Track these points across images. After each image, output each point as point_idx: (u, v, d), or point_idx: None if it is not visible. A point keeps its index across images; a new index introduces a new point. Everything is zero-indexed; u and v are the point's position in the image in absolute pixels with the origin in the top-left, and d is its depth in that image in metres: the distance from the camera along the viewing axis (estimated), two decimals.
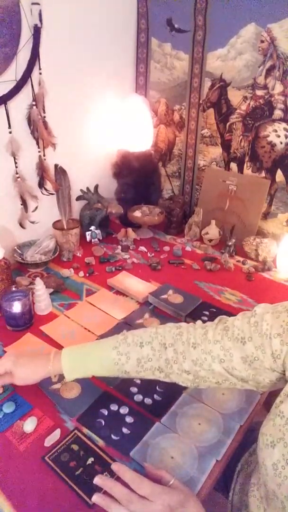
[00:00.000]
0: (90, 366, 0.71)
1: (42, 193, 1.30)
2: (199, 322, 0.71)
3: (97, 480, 0.56)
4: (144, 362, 0.67)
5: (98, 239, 1.41)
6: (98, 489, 0.57)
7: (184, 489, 0.56)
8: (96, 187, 1.40)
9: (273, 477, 0.51)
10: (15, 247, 1.24)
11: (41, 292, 1.01)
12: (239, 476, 0.76)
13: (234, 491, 0.74)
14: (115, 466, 0.57)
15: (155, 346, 0.67)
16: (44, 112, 1.20)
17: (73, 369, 0.71)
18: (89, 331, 0.96)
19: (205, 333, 0.65)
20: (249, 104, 1.27)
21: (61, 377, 0.73)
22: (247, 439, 0.83)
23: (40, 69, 1.14)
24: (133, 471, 0.56)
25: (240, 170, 1.38)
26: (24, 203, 1.24)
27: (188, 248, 1.37)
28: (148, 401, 0.78)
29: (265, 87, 1.21)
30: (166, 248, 1.37)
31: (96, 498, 0.55)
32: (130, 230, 1.42)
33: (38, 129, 1.19)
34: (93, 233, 1.40)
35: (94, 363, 0.70)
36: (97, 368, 0.70)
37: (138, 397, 0.78)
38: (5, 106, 1.10)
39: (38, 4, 1.06)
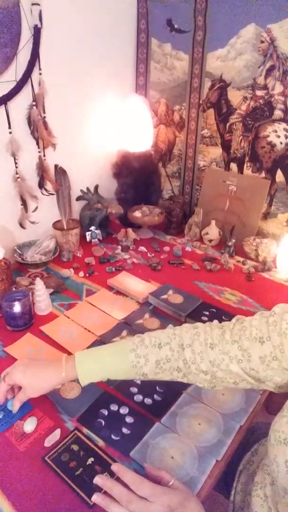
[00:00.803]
0: (107, 370, 0.69)
1: (42, 193, 1.30)
2: (215, 322, 0.70)
3: (97, 480, 0.56)
4: (163, 363, 0.66)
5: (98, 239, 1.41)
6: (98, 489, 0.57)
7: (184, 490, 0.56)
8: (96, 187, 1.40)
9: (285, 474, 0.51)
10: (15, 247, 1.24)
11: (41, 292, 1.01)
12: (241, 475, 0.76)
13: (236, 491, 0.74)
14: (115, 467, 0.57)
15: (174, 347, 0.66)
16: (44, 112, 1.20)
17: (89, 374, 0.69)
18: (89, 331, 0.96)
19: (223, 333, 0.65)
20: (249, 104, 1.27)
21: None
22: (248, 439, 0.83)
23: (40, 69, 1.14)
24: (133, 471, 0.56)
25: (240, 170, 1.38)
26: (24, 203, 1.24)
27: (188, 248, 1.37)
28: (148, 401, 0.78)
29: (265, 87, 1.21)
30: (166, 248, 1.37)
31: (96, 497, 0.55)
32: (130, 230, 1.42)
33: (38, 129, 1.19)
34: (93, 233, 1.40)
35: (111, 367, 0.69)
36: (114, 371, 0.69)
37: (138, 397, 0.78)
38: (5, 106, 1.10)
39: (38, 4, 1.06)
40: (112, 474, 0.62)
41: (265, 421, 0.93)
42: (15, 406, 0.72)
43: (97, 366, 0.69)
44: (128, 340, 0.71)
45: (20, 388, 0.72)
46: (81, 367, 0.69)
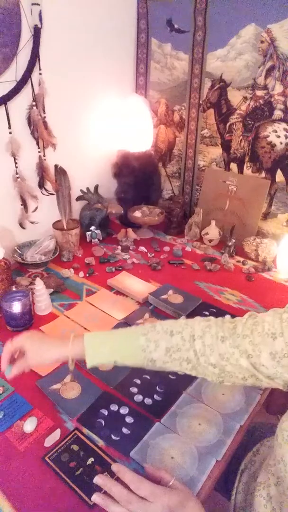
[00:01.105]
0: (116, 351, 0.67)
1: (42, 193, 1.30)
2: (227, 316, 0.68)
3: (97, 479, 0.56)
4: (173, 351, 0.65)
5: (98, 239, 1.41)
6: (98, 489, 0.57)
7: (184, 489, 0.56)
8: (96, 187, 1.40)
9: None
10: (15, 247, 1.24)
11: (41, 292, 1.01)
12: (243, 475, 0.76)
13: (237, 490, 0.74)
14: (115, 467, 0.58)
15: (185, 336, 0.65)
16: (44, 112, 1.20)
17: (97, 353, 0.67)
18: (89, 331, 0.96)
19: (234, 327, 0.64)
20: (249, 104, 1.27)
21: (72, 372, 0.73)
22: (249, 439, 0.83)
23: (40, 69, 1.14)
24: (133, 472, 0.56)
25: (240, 170, 1.38)
26: (24, 203, 1.24)
27: (188, 248, 1.37)
28: (148, 401, 0.78)
29: (265, 87, 1.21)
30: (166, 248, 1.37)
31: (95, 497, 0.55)
32: (130, 230, 1.42)
33: (38, 129, 1.19)
34: (93, 233, 1.40)
35: (120, 348, 0.67)
36: (123, 353, 0.67)
37: (138, 397, 0.78)
38: (5, 107, 1.10)
39: (38, 4, 1.06)
40: (112, 474, 0.62)
41: (265, 421, 0.93)
42: (13, 371, 0.70)
43: (106, 346, 0.68)
44: (141, 326, 0.70)
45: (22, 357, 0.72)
46: (90, 345, 0.67)
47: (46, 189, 1.30)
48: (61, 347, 0.69)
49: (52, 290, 1.09)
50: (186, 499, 0.54)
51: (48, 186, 1.30)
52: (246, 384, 0.64)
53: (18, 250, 1.24)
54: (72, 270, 1.22)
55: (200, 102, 1.39)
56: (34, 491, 0.62)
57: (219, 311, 1.02)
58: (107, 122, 1.46)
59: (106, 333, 0.71)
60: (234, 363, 0.61)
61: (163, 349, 0.65)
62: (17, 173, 1.20)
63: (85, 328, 0.97)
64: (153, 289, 1.11)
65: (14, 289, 1.01)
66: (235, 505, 0.73)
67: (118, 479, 0.56)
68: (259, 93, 1.23)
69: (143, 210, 1.46)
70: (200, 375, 0.66)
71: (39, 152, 1.24)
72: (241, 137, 1.33)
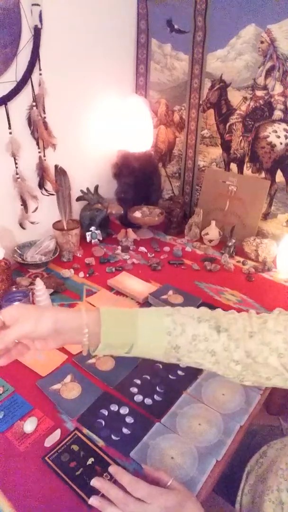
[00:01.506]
0: (137, 331, 0.57)
1: (42, 193, 1.30)
2: (252, 311, 0.62)
3: (95, 482, 0.56)
4: (199, 341, 0.57)
5: (98, 240, 1.41)
6: (97, 490, 0.57)
7: (182, 490, 0.56)
8: (96, 187, 1.40)
9: None
10: (15, 248, 1.24)
11: (41, 292, 1.01)
12: (249, 477, 0.75)
13: (243, 492, 0.73)
14: (112, 469, 0.57)
15: (212, 326, 0.58)
16: (44, 112, 1.20)
17: (113, 332, 0.56)
18: None
19: (264, 322, 0.57)
20: (249, 104, 1.27)
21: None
22: (249, 442, 0.83)
23: (40, 69, 1.15)
24: (130, 473, 0.56)
25: (240, 170, 1.38)
26: (24, 203, 1.24)
27: (188, 249, 1.37)
28: (148, 401, 0.78)
29: (265, 87, 1.21)
30: (166, 249, 1.37)
31: (93, 500, 0.55)
32: (130, 230, 1.42)
33: (38, 129, 1.19)
34: (93, 233, 1.40)
35: (142, 328, 0.57)
36: (145, 335, 0.57)
37: (138, 398, 0.78)
38: (5, 107, 1.10)
39: (38, 5, 1.07)
40: (112, 476, 0.62)
41: (266, 423, 0.93)
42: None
43: (126, 324, 0.57)
44: (160, 307, 0.61)
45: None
46: (106, 321, 0.56)
47: (46, 189, 1.30)
48: (72, 312, 0.56)
49: (52, 290, 1.09)
50: (185, 499, 0.54)
51: (48, 186, 1.30)
52: (267, 384, 0.58)
53: (18, 250, 1.24)
54: (72, 270, 1.22)
55: (200, 102, 1.39)
56: (34, 491, 0.62)
57: None
58: (107, 122, 1.46)
59: (125, 311, 0.60)
60: (262, 361, 0.55)
61: (189, 336, 0.57)
62: (17, 173, 1.20)
63: None
64: (153, 289, 1.11)
65: (14, 289, 1.01)
66: (241, 507, 0.72)
67: (116, 481, 0.56)
68: (259, 93, 1.23)
69: (143, 210, 1.46)
70: (221, 371, 0.59)
71: (39, 152, 1.24)
72: (241, 137, 1.33)
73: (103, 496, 0.55)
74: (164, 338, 0.57)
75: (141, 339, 0.57)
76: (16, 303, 0.64)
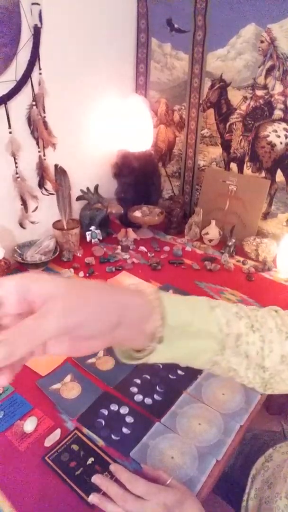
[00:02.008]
0: (193, 321, 0.44)
1: (42, 193, 1.30)
2: (282, 311, 0.52)
3: (95, 479, 0.57)
4: (242, 341, 0.46)
5: (98, 239, 1.41)
6: (98, 489, 0.57)
7: (181, 488, 0.56)
8: (96, 187, 1.40)
9: None
10: (15, 247, 1.24)
11: None
12: (255, 481, 0.74)
13: (249, 496, 0.72)
14: (112, 467, 0.58)
15: (248, 324, 0.47)
16: (44, 112, 1.20)
17: (178, 315, 0.43)
18: None
19: None
20: (249, 104, 1.27)
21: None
22: (252, 446, 0.83)
23: (40, 69, 1.14)
24: (130, 471, 0.57)
25: (240, 170, 1.38)
26: (24, 203, 1.24)
27: (188, 248, 1.37)
28: (148, 401, 0.78)
29: (265, 87, 1.21)
30: (166, 248, 1.37)
31: (92, 497, 0.56)
32: (130, 230, 1.42)
33: (38, 129, 1.19)
34: (93, 233, 1.40)
35: (200, 315, 0.45)
36: (199, 319, 0.45)
37: (138, 397, 0.78)
38: (5, 106, 1.10)
39: (38, 4, 1.06)
40: (112, 475, 0.62)
41: (267, 428, 0.93)
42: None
43: (186, 311, 0.44)
44: (199, 297, 0.49)
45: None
46: (169, 305, 0.43)
47: (46, 189, 1.30)
48: (138, 295, 0.41)
49: None
50: (184, 497, 0.54)
51: (48, 186, 1.30)
52: None
53: (18, 250, 1.24)
54: (72, 270, 1.22)
55: (200, 102, 1.38)
56: (34, 491, 0.62)
57: None
58: (107, 122, 1.46)
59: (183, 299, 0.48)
60: None
61: (235, 335, 0.46)
62: (17, 173, 1.20)
63: None
64: None
65: None
66: (246, 511, 0.72)
67: (117, 480, 0.57)
68: (259, 93, 1.23)
69: (143, 210, 1.46)
70: (247, 378, 0.49)
71: (39, 152, 1.24)
72: (241, 137, 1.33)
73: (103, 494, 0.56)
74: (215, 329, 0.46)
75: (197, 325, 0.45)
76: (21, 274, 0.38)
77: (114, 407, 0.76)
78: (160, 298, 0.42)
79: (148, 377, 0.83)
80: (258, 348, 0.46)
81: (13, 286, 0.32)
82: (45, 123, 1.21)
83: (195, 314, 0.45)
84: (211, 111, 1.37)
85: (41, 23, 1.09)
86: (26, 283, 0.32)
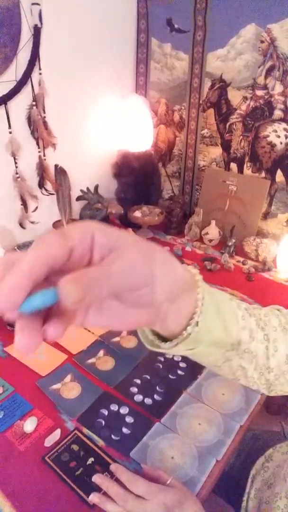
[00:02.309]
0: (221, 326, 0.41)
1: (42, 193, 1.30)
2: (285, 310, 0.50)
3: (96, 478, 0.57)
4: (253, 337, 0.44)
5: None
6: (98, 489, 0.57)
7: (182, 488, 0.56)
8: (96, 187, 1.40)
9: None
10: (15, 247, 1.24)
11: None
12: (255, 481, 0.74)
13: (249, 496, 0.73)
14: (113, 467, 0.58)
15: (257, 322, 0.45)
16: (44, 112, 1.20)
17: (210, 325, 0.39)
18: (89, 331, 0.96)
19: None
20: (249, 104, 1.27)
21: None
22: (252, 446, 0.83)
23: (40, 69, 1.14)
24: (131, 471, 0.57)
25: (240, 170, 1.38)
26: (24, 203, 1.24)
27: (188, 248, 1.37)
28: (148, 401, 0.78)
29: (265, 87, 1.21)
30: (166, 248, 1.36)
31: (93, 497, 0.56)
32: (130, 230, 1.42)
33: (38, 129, 1.19)
34: None
35: (224, 306, 0.43)
36: (223, 309, 0.42)
37: (138, 397, 0.78)
38: (5, 106, 1.10)
39: (38, 4, 1.06)
40: (112, 475, 0.62)
41: (267, 428, 0.93)
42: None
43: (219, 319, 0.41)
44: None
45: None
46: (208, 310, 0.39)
47: (46, 189, 1.30)
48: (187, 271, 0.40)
49: None
50: (184, 497, 0.54)
51: (48, 186, 1.30)
52: None
53: (18, 250, 1.24)
54: None
55: (200, 102, 1.38)
56: (34, 491, 0.62)
57: None
58: (107, 122, 1.46)
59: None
60: None
61: (248, 330, 0.44)
62: (17, 173, 1.20)
63: (85, 328, 0.97)
64: None
65: None
66: (246, 511, 0.72)
67: (117, 479, 0.57)
68: (259, 93, 1.23)
69: (143, 210, 1.46)
70: (252, 378, 0.46)
71: (39, 152, 1.24)
72: (241, 137, 1.33)
73: (103, 493, 0.56)
74: (234, 322, 0.43)
75: (218, 340, 0.42)
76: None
77: (114, 407, 0.76)
78: (200, 280, 0.41)
79: (148, 377, 0.83)
80: (263, 347, 0.45)
81: (81, 235, 0.28)
82: (45, 123, 1.21)
83: (219, 301, 0.42)
84: (211, 111, 1.37)
85: (41, 23, 1.09)
86: (91, 232, 0.28)
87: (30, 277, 0.25)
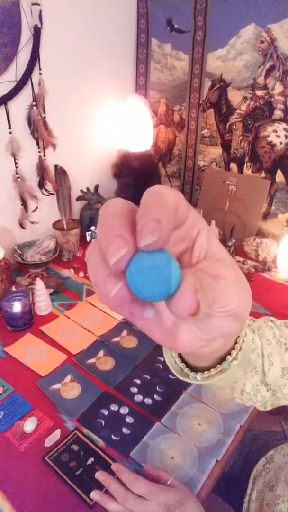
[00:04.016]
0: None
1: (42, 193, 1.30)
2: (278, 321, 0.49)
3: (98, 475, 0.57)
4: (254, 350, 0.43)
5: None
6: (98, 488, 0.57)
7: (182, 488, 0.57)
8: (96, 187, 1.40)
9: None
10: (15, 247, 1.24)
11: (41, 292, 1.01)
12: (256, 482, 0.74)
13: (250, 498, 0.72)
14: (114, 466, 0.58)
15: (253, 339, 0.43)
16: (44, 112, 1.20)
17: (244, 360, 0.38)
18: (89, 331, 0.96)
19: None
20: (249, 104, 1.27)
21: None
22: (251, 446, 0.83)
23: (40, 69, 1.14)
24: (132, 471, 0.57)
25: (240, 170, 1.38)
26: (24, 203, 1.24)
27: None
28: (148, 401, 0.78)
29: (265, 87, 1.21)
30: None
31: (94, 494, 0.56)
32: None
33: (38, 129, 1.19)
34: (93, 233, 1.40)
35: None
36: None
37: (138, 397, 0.78)
38: (5, 106, 1.10)
39: (38, 4, 1.06)
40: (113, 475, 0.62)
41: (267, 428, 0.93)
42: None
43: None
44: None
45: None
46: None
47: (46, 189, 1.30)
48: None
49: (52, 290, 1.09)
50: (184, 497, 0.54)
51: (48, 186, 1.30)
52: None
53: (18, 250, 1.24)
54: (72, 270, 1.22)
55: (200, 102, 1.38)
56: (34, 491, 0.62)
57: None
58: (107, 122, 1.46)
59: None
60: None
61: (250, 340, 0.41)
62: (17, 173, 1.20)
63: (85, 328, 0.97)
64: None
65: (14, 289, 1.01)
66: None
67: (118, 479, 0.57)
68: (259, 93, 1.23)
69: None
70: (250, 394, 0.45)
71: (39, 152, 1.24)
72: (241, 137, 1.33)
73: (105, 492, 0.56)
74: (250, 354, 0.42)
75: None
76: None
77: (114, 407, 0.76)
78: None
79: (148, 377, 0.83)
80: (260, 362, 0.44)
81: (196, 220, 0.25)
82: (45, 123, 1.21)
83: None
84: (211, 111, 1.37)
85: (41, 23, 1.09)
86: (202, 226, 0.25)
87: (175, 218, 0.22)
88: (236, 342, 0.36)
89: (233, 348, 0.36)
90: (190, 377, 0.37)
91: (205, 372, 0.36)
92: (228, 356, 0.35)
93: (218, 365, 0.35)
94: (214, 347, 0.30)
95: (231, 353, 0.35)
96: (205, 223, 0.26)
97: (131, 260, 0.21)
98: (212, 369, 0.36)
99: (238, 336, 0.36)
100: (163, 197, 0.21)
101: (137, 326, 0.26)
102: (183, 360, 0.38)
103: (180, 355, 0.38)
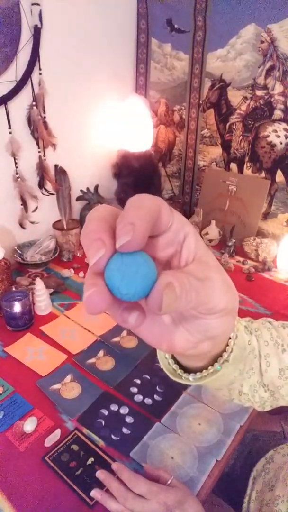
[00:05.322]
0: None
1: (42, 193, 1.30)
2: (276, 322, 0.49)
3: (99, 474, 0.57)
4: (254, 355, 0.44)
5: None
6: (98, 487, 0.57)
7: (182, 488, 0.57)
8: (96, 187, 1.40)
9: None
10: (15, 247, 1.24)
11: (41, 292, 1.01)
12: (256, 483, 0.74)
13: (250, 498, 0.72)
14: (114, 466, 0.58)
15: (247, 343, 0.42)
16: (44, 112, 1.20)
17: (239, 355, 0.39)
18: (89, 331, 0.97)
19: None
20: (249, 104, 1.27)
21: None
22: (251, 447, 0.83)
23: (40, 69, 1.14)
24: (132, 470, 0.57)
25: (240, 170, 1.38)
26: (24, 203, 1.24)
27: None
28: (148, 401, 0.78)
29: (265, 87, 1.21)
30: None
31: (94, 493, 0.56)
32: None
33: (38, 129, 1.19)
34: None
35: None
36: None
37: (138, 397, 0.78)
38: (5, 107, 1.10)
39: (38, 4, 1.06)
40: (113, 474, 0.62)
41: (267, 428, 0.93)
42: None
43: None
44: None
45: None
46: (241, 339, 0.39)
47: (46, 189, 1.30)
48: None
49: (52, 290, 1.09)
50: (185, 497, 0.54)
51: (48, 186, 1.30)
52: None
53: (18, 250, 1.24)
54: (72, 270, 1.22)
55: (200, 102, 1.38)
56: (34, 491, 0.62)
57: None
58: (107, 122, 1.46)
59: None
60: None
61: (247, 340, 0.42)
62: (17, 173, 1.20)
63: (85, 328, 0.97)
64: None
65: (14, 289, 1.01)
66: None
67: (119, 478, 0.57)
68: (259, 93, 1.23)
69: None
70: (248, 395, 0.45)
71: (39, 152, 1.24)
72: (241, 137, 1.33)
73: (106, 491, 0.56)
74: (247, 355, 0.42)
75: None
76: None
77: (114, 407, 0.76)
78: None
79: (148, 377, 0.83)
80: (257, 363, 0.44)
81: (181, 225, 0.26)
82: (45, 123, 1.21)
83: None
84: (211, 111, 1.37)
85: (41, 23, 1.09)
86: (188, 230, 0.27)
87: (151, 222, 0.23)
88: (227, 345, 0.37)
89: (225, 350, 0.36)
90: (183, 378, 0.38)
91: (197, 373, 0.37)
92: (219, 358, 0.36)
93: (210, 367, 0.36)
94: (201, 349, 0.31)
95: (222, 355, 0.36)
96: (192, 227, 0.27)
97: (111, 259, 0.23)
98: (204, 371, 0.36)
99: (230, 339, 0.37)
100: (141, 203, 0.23)
101: (130, 328, 0.26)
102: (176, 362, 0.39)
103: (173, 356, 0.39)
